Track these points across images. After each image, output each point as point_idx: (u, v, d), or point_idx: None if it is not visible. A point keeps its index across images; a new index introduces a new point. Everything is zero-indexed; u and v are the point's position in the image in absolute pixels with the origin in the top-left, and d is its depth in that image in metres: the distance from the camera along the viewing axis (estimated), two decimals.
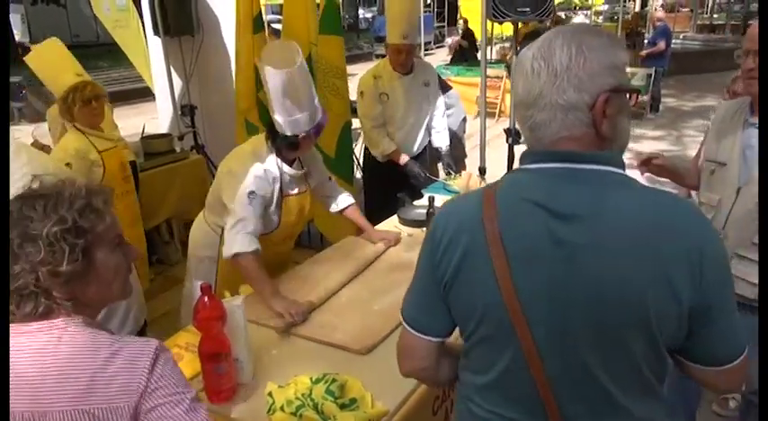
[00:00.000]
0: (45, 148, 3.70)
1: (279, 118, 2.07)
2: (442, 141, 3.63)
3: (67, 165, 2.54)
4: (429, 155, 3.70)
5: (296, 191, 2.27)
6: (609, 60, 0.94)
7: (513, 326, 0.96)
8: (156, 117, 5.04)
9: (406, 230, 2.66)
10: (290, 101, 2.03)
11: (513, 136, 3.59)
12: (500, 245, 0.95)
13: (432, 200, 2.50)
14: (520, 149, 3.62)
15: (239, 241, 1.98)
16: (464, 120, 4.87)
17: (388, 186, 3.37)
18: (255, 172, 2.08)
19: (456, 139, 4.33)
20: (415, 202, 3.00)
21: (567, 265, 0.92)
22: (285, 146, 2.12)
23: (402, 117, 3.44)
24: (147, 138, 4.17)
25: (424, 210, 2.70)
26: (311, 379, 1.49)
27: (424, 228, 2.56)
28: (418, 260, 1.10)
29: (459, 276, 1.01)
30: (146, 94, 5.15)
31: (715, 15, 21.81)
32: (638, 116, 8.56)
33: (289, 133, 2.08)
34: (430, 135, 3.65)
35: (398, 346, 1.16)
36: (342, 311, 1.94)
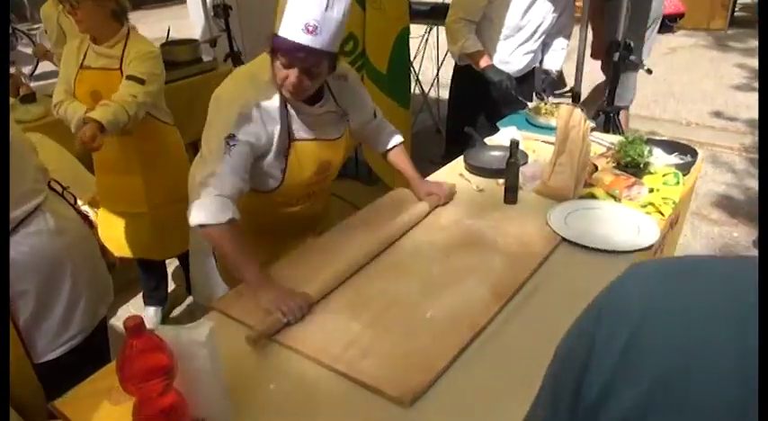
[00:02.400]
0: (48, 54, 3.17)
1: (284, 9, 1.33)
2: (555, 63, 2.83)
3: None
4: (536, 79, 2.86)
5: (312, 135, 1.56)
6: None
7: None
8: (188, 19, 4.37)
9: (474, 181, 1.98)
10: None
11: (621, 50, 2.74)
12: None
13: (515, 144, 1.77)
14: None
15: (207, 207, 1.38)
16: None
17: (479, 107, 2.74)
18: (241, 108, 1.43)
19: None
20: (489, 140, 2.28)
21: None
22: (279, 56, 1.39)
23: (517, 21, 2.61)
24: (168, 45, 3.50)
25: (502, 154, 1.99)
26: None
27: (501, 181, 1.87)
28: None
29: None
30: None
31: None
32: None
33: (282, 33, 1.33)
34: (542, 54, 2.84)
35: None
36: (376, 320, 1.31)
